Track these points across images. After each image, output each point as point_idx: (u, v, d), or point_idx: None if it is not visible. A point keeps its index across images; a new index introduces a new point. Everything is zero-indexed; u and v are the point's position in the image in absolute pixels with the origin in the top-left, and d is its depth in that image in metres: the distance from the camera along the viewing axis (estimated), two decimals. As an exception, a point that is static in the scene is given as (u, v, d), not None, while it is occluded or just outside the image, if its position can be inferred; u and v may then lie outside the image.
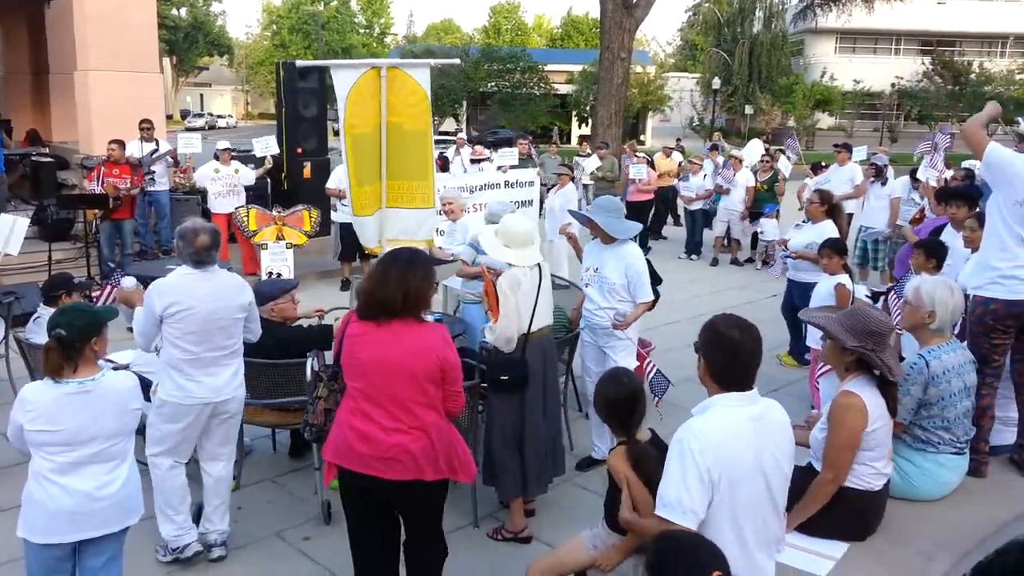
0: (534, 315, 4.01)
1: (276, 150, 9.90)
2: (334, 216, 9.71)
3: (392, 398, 2.91)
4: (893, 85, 43.38)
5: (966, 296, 3.87)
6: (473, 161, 13.44)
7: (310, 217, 8.77)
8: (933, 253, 4.83)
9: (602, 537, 2.92)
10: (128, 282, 4.91)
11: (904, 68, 44.14)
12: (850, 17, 40.23)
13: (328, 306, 5.40)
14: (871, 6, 38.30)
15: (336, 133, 5.74)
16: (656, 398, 4.82)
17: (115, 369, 3.42)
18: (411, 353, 2.91)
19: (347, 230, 8.87)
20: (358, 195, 5.03)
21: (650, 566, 1.99)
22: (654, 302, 5.76)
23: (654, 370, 4.88)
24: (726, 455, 2.46)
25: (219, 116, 59.02)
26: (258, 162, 10.15)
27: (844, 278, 5.50)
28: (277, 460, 5.07)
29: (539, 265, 4.12)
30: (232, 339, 3.79)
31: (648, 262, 5.66)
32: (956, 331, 3.94)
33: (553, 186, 9.76)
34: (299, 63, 5.68)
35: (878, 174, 9.66)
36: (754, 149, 11.50)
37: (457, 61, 7.80)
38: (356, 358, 2.96)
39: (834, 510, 3.26)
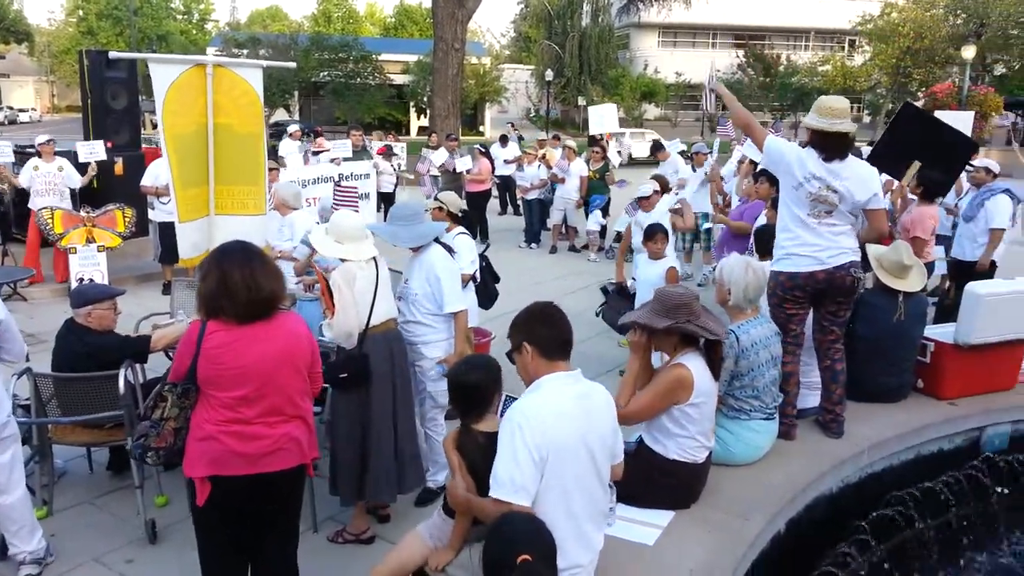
0: (373, 308, 3.93)
1: (102, 155, 9.07)
2: (152, 215, 9.03)
3: (277, 393, 2.92)
4: (711, 78, 46.29)
5: None
6: (314, 153, 13.05)
7: (124, 217, 8.17)
8: (759, 238, 5.21)
9: (438, 525, 2.90)
10: None
11: (720, 61, 47.22)
12: (670, 12, 42.52)
13: (146, 311, 5.06)
14: (689, 2, 40.62)
15: (155, 126, 5.36)
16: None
17: None
18: (289, 344, 2.95)
19: (167, 230, 8.31)
20: (183, 199, 4.70)
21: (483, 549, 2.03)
22: (492, 301, 5.82)
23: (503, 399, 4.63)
24: (553, 433, 2.53)
25: (20, 110, 53.63)
26: (81, 168, 9.24)
27: (675, 260, 5.89)
28: (95, 481, 4.70)
29: (375, 259, 4.04)
30: None
31: (485, 259, 5.72)
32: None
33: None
34: (111, 54, 5.17)
35: (698, 163, 10.29)
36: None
37: (293, 65, 7.47)
38: (232, 368, 2.82)
39: (661, 483, 3.42)
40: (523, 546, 1.97)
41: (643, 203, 7.19)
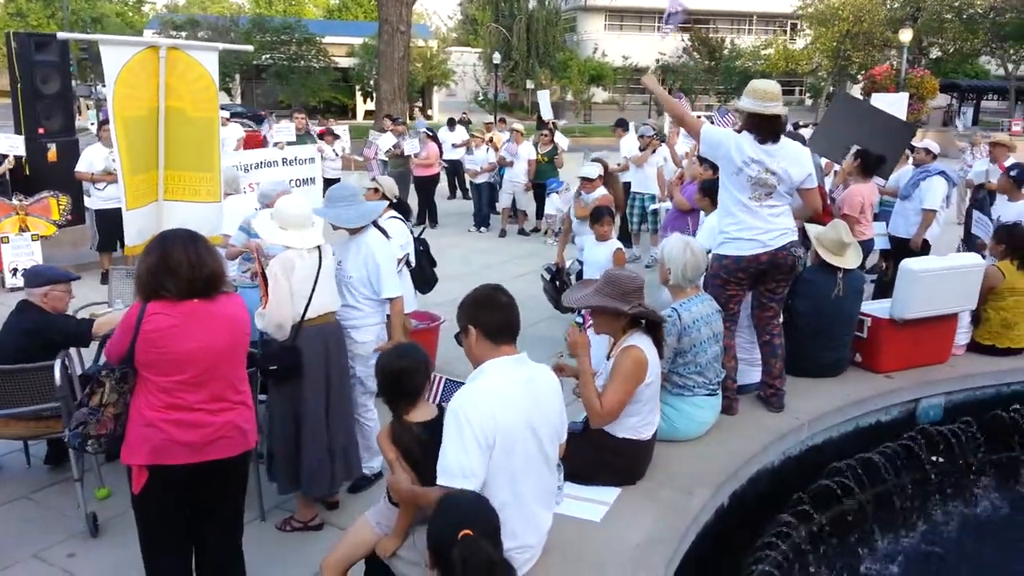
0: (311, 300, 3.85)
1: (21, 151, 8.70)
2: (88, 203, 8.73)
3: (220, 379, 2.88)
4: (657, 61, 46.57)
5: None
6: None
7: (58, 205, 7.91)
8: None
9: (384, 513, 2.89)
10: None
11: (666, 45, 47.57)
12: (616, -5, 42.57)
13: (84, 301, 4.91)
14: (634, -15, 40.67)
15: (90, 109, 5.16)
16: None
17: None
18: (232, 328, 2.92)
19: (104, 217, 8.09)
20: (132, 185, 4.52)
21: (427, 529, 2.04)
22: (430, 286, 5.77)
23: (442, 383, 4.44)
24: (500, 418, 2.54)
25: (-59, 95, 51.22)
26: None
27: (619, 243, 5.95)
28: (33, 475, 4.57)
29: (319, 248, 3.96)
30: None
31: (423, 243, 5.67)
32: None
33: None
34: (59, 35, 4.93)
35: (647, 145, 10.38)
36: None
37: (251, 48, 7.14)
38: (172, 351, 2.77)
39: (608, 461, 3.47)
40: (465, 523, 1.98)
41: (587, 185, 7.24)
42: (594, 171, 7.37)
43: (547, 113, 14.83)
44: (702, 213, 6.19)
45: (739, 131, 4.17)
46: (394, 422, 2.81)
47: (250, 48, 6.10)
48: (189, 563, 3.10)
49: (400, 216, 5.48)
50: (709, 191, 6.07)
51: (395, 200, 5.48)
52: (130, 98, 4.40)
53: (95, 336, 4.19)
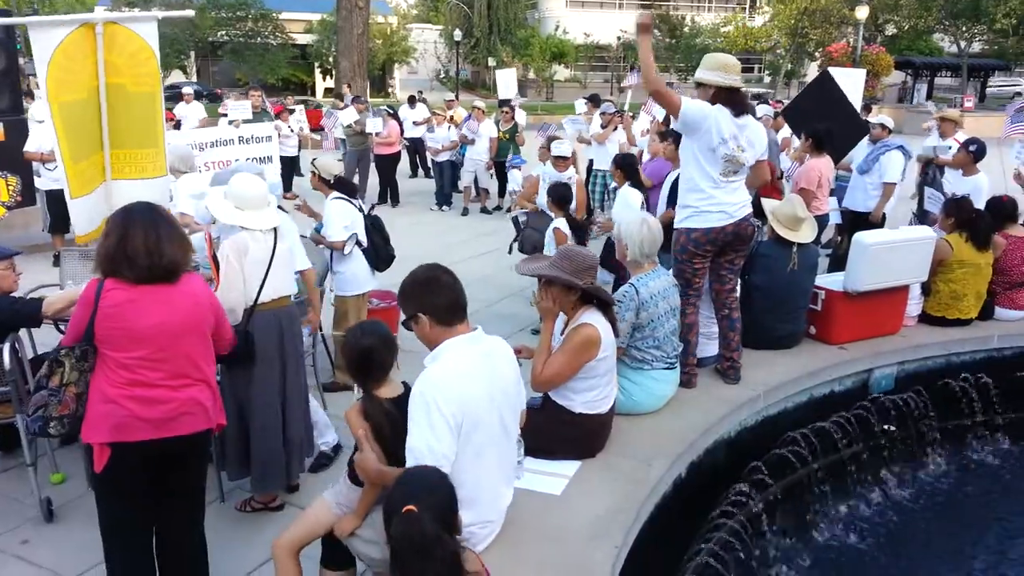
0: (264, 284, 3.78)
1: None
2: (39, 183, 8.49)
3: (180, 356, 2.87)
4: (619, 38, 46.53)
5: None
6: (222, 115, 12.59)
7: (7, 186, 7.66)
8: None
9: (345, 493, 2.88)
10: None
11: (628, 22, 47.52)
12: (577, -29, 42.30)
13: (35, 284, 4.79)
14: (595, -38, 40.47)
15: (38, 88, 4.94)
16: None
17: None
18: (193, 306, 2.91)
19: (55, 198, 7.86)
20: (75, 173, 4.32)
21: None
22: (387, 264, 5.67)
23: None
24: (465, 397, 2.53)
25: None
26: None
27: (562, 222, 6.01)
28: (-17, 463, 4.48)
29: (275, 229, 3.88)
30: None
31: (375, 219, 5.59)
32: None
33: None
34: None
35: (609, 122, 10.42)
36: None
37: (191, 14, 6.82)
38: (131, 327, 2.75)
39: (568, 435, 3.50)
40: (411, 498, 1.99)
41: (560, 164, 7.23)
42: (568, 148, 7.38)
43: (507, 92, 14.71)
44: (626, 187, 6.37)
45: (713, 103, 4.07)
46: (364, 398, 2.80)
47: (190, 13, 5.77)
48: (150, 544, 3.08)
49: (344, 195, 5.38)
50: (621, 165, 6.49)
51: (333, 180, 5.38)
52: (66, 82, 4.16)
53: (45, 316, 4.09)
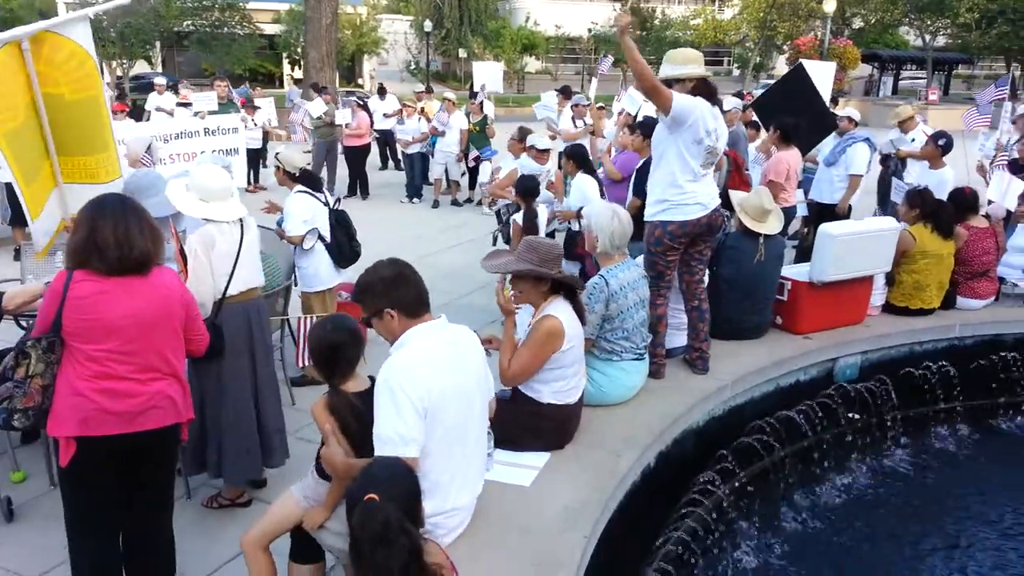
0: (232, 277, 3.75)
1: None
2: (-2, 176, 8.33)
3: (149, 349, 2.84)
4: (590, 30, 46.50)
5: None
6: (180, 105, 12.36)
7: (-36, 178, 7.46)
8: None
9: (312, 487, 2.87)
10: None
11: (598, 14, 47.53)
12: (548, -37, 42.19)
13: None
14: (565, -47, 40.38)
15: None
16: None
17: None
18: (164, 300, 2.88)
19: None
20: (31, 195, 4.16)
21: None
22: (350, 261, 5.61)
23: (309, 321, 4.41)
24: (430, 383, 2.54)
25: None
26: None
27: (520, 215, 6.11)
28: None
29: (242, 220, 3.84)
30: None
31: (340, 213, 5.53)
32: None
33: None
34: None
35: (580, 114, 10.46)
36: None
37: (126, 1, 6.45)
38: (100, 318, 2.71)
39: (537, 426, 3.51)
40: (374, 487, 1.98)
41: (540, 156, 7.23)
42: (546, 141, 7.39)
43: (493, 86, 14.68)
44: (579, 176, 6.43)
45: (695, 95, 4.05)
46: (331, 393, 2.79)
47: (126, 1, 5.34)
48: (117, 541, 3.04)
49: (308, 189, 5.31)
50: (572, 155, 6.57)
51: (298, 173, 5.33)
52: (3, 109, 3.88)
53: (6, 310, 4.00)
